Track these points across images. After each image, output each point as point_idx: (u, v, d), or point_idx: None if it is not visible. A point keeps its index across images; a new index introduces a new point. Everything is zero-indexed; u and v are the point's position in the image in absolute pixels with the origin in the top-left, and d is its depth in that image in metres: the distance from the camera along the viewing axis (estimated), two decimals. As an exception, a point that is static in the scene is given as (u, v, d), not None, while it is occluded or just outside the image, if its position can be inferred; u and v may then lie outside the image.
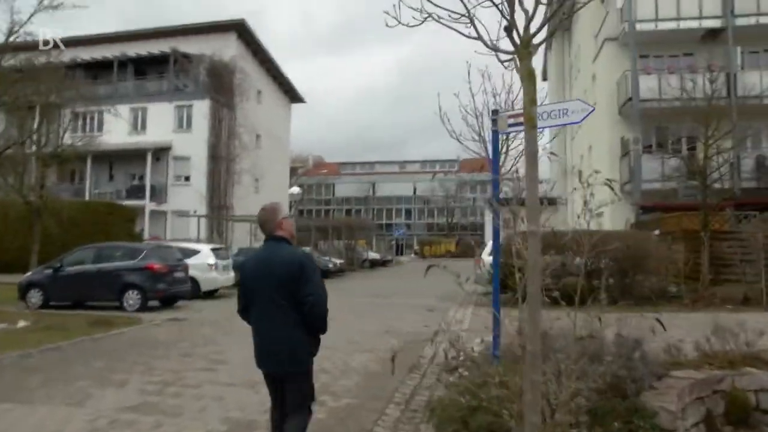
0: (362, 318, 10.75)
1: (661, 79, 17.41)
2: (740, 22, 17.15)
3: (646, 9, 18.07)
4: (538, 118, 4.40)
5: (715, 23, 17.51)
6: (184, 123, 29.00)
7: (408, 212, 78.44)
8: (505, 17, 2.41)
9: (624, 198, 18.43)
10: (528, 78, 2.37)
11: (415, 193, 77.78)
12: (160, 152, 28.39)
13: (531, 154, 2.43)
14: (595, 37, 21.28)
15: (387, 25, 2.76)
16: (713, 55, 16.10)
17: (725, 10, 17.42)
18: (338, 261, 27.94)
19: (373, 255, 39.03)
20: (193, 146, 27.90)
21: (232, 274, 15.24)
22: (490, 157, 4.98)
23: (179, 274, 12.38)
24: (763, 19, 17.11)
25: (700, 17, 17.57)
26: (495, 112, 4.88)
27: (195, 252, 14.67)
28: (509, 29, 2.40)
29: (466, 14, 2.50)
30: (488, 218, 33.79)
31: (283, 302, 2.81)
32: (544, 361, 2.45)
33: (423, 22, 2.60)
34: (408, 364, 5.89)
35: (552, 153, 17.98)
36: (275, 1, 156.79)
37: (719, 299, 10.13)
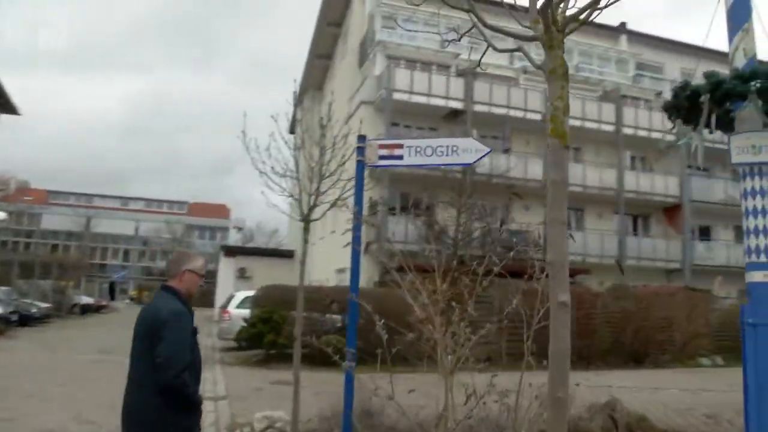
0: (94, 384, 8.74)
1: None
2: (477, 108, 19.94)
3: (403, 81, 19.76)
4: (408, 152, 3.88)
5: (458, 105, 20.07)
6: None
7: (126, 253, 71.30)
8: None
9: (369, 256, 19.18)
10: (561, 75, 2.11)
11: (137, 233, 71.20)
12: None
13: (557, 182, 2.11)
14: (350, 98, 22.43)
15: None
16: (454, 132, 18.26)
17: (467, 95, 20.13)
18: (44, 305, 23.83)
19: (87, 299, 34.96)
20: None
21: None
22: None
23: None
24: (494, 109, 20.24)
25: (447, 97, 19.94)
26: (362, 138, 4.09)
27: None
28: (548, 4, 2.09)
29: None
30: (223, 266, 31.98)
31: (142, 361, 2.67)
32: None
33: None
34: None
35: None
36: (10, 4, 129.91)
37: (470, 359, 10.68)
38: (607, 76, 24.79)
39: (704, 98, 5.02)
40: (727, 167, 25.91)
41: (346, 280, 21.85)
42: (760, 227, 4.84)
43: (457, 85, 20.44)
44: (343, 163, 11.56)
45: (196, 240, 71.46)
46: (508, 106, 20.69)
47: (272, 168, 10.94)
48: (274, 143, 9.44)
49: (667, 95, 25.77)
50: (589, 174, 21.73)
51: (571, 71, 20.09)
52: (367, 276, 18.78)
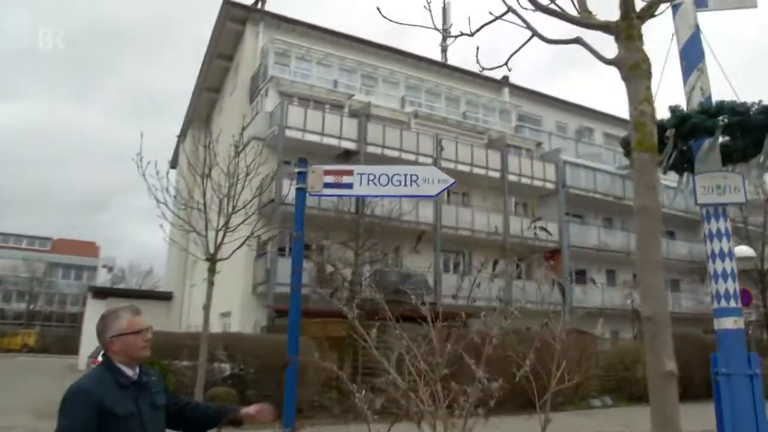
0: None
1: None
2: (370, 149, 20.36)
3: (296, 118, 19.77)
4: (359, 180, 3.51)
5: (351, 145, 20.37)
6: None
7: (-28, 293, 63.40)
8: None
9: (257, 299, 18.56)
10: (645, 72, 1.68)
11: (-9, 270, 63.72)
12: None
13: (648, 209, 1.79)
14: (240, 133, 21.96)
15: None
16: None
17: (360, 136, 20.52)
18: None
19: None
20: None
21: None
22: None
23: None
24: (387, 151, 20.77)
25: (340, 137, 20.18)
26: (303, 162, 3.70)
27: None
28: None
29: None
30: (91, 309, 29.33)
31: None
32: None
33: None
34: None
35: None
36: None
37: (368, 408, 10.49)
38: (492, 125, 26.51)
39: (669, 133, 4.82)
40: (599, 214, 28.56)
41: (230, 324, 20.87)
42: (728, 270, 4.66)
43: (350, 126, 20.81)
44: (260, 194, 11.13)
45: (59, 280, 65.21)
46: (400, 149, 21.35)
47: (175, 196, 10.28)
48: (158, 176, 9.04)
49: (547, 146, 28.11)
50: (477, 218, 22.82)
51: (458, 118, 21.21)
52: (254, 320, 18.11)
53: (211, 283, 9.26)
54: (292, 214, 15.15)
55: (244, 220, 9.85)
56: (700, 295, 26.31)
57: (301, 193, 3.71)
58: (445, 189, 3.55)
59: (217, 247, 9.35)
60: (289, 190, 18.48)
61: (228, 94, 26.10)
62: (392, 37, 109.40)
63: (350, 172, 3.64)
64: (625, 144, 5.39)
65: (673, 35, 5.39)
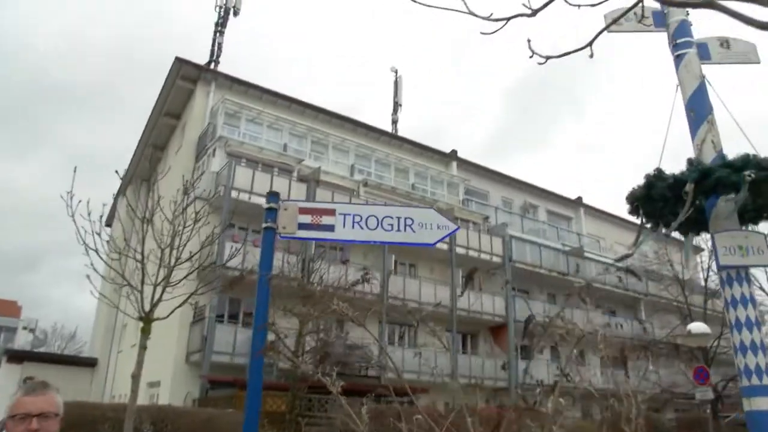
0: None
1: (245, 251, 18.50)
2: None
3: (243, 180, 19.69)
4: (341, 222, 3.11)
5: (298, 210, 20.28)
6: None
7: None
8: None
9: (190, 369, 17.70)
10: None
11: None
12: None
13: None
14: (183, 191, 21.64)
15: None
16: (291, 242, 18.24)
17: (309, 200, 20.51)
18: None
19: None
20: None
21: None
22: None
23: None
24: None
25: (288, 201, 20.13)
26: (274, 196, 3.30)
27: None
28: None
29: None
30: (4, 374, 27.13)
31: None
32: None
33: None
34: None
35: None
36: None
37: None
38: (440, 197, 27.18)
39: (689, 188, 4.44)
40: (543, 289, 29.22)
41: (158, 395, 19.74)
42: (757, 342, 4.15)
43: (299, 190, 20.87)
44: (211, 243, 10.38)
45: None
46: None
47: (107, 242, 9.40)
48: (89, 217, 8.40)
49: (494, 220, 28.89)
50: (425, 290, 22.90)
51: (407, 188, 21.57)
52: (186, 391, 17.18)
53: (143, 347, 8.56)
54: (233, 279, 14.71)
55: (188, 274, 9.23)
56: (645, 372, 26.84)
57: (269, 233, 3.21)
58: (445, 237, 3.12)
59: (154, 304, 8.60)
60: (231, 253, 18.15)
61: (173, 152, 25.87)
62: (344, 108, 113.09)
63: (331, 212, 3.24)
64: (634, 198, 4.99)
65: (677, 86, 5.19)
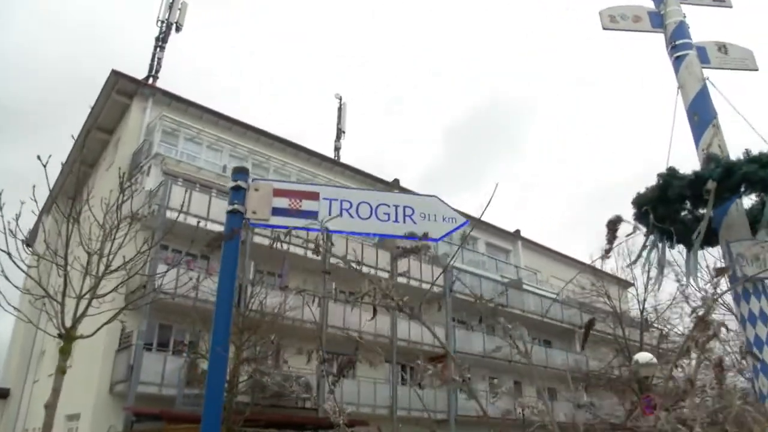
0: None
1: (178, 274, 17.96)
2: (257, 239, 20.04)
3: (179, 199, 19.11)
4: (327, 208, 2.69)
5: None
6: None
7: None
8: None
9: (114, 400, 16.86)
10: None
11: None
12: None
13: None
14: (114, 211, 20.90)
15: None
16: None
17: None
18: None
19: None
20: None
21: None
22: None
23: None
24: (311, 253, 20.47)
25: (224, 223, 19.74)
26: (241, 173, 2.76)
27: None
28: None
29: None
30: None
31: None
32: None
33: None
34: None
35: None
36: None
37: None
38: (385, 224, 27.37)
39: (711, 185, 4.03)
40: (483, 321, 29.74)
41: (77, 429, 18.70)
42: None
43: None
44: (150, 247, 9.33)
45: None
46: (288, 242, 21.19)
47: (26, 244, 8.44)
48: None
49: (434, 250, 29.26)
50: (365, 319, 22.83)
51: (352, 215, 21.48)
52: (108, 425, 16.32)
53: (62, 371, 7.50)
54: (164, 304, 14.29)
55: (120, 284, 8.13)
56: (579, 403, 27.54)
57: (235, 218, 2.67)
58: (452, 231, 2.69)
59: (77, 319, 7.58)
60: (163, 277, 17.60)
61: (104, 169, 24.99)
62: (287, 133, 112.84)
63: (314, 195, 2.75)
64: (644, 201, 4.42)
65: (678, 88, 4.94)
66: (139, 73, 25.06)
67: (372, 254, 24.29)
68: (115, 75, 22.14)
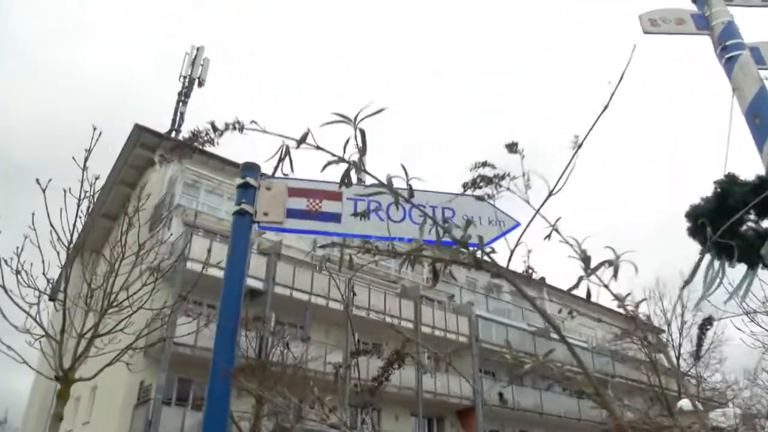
0: None
1: (198, 326, 17.95)
2: (278, 290, 20.11)
3: (199, 250, 19.36)
4: (352, 210, 2.37)
5: (258, 284, 20.02)
6: None
7: None
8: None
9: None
10: None
11: None
12: None
13: None
14: (136, 263, 21.18)
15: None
16: (252, 314, 17.92)
17: (268, 275, 20.31)
18: None
19: None
20: None
21: None
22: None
23: None
24: (296, 294, 20.58)
25: (247, 275, 19.82)
26: (250, 169, 2.45)
27: None
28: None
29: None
30: None
31: None
32: None
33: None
34: None
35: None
36: None
37: None
38: (404, 275, 27.23)
39: None
40: (509, 371, 29.03)
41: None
42: None
43: (258, 264, 20.63)
44: (154, 289, 8.97)
45: None
46: (310, 293, 21.21)
47: (48, 295, 8.17)
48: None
49: (458, 299, 28.86)
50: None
51: (371, 265, 21.44)
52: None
53: (58, 418, 6.69)
54: (184, 357, 14.28)
55: (125, 318, 7.48)
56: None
57: (243, 221, 2.35)
58: (501, 236, 2.35)
59: (76, 359, 6.93)
60: (174, 328, 17.59)
61: (126, 221, 25.45)
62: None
63: (337, 195, 2.38)
64: (699, 213, 3.93)
65: (734, 91, 4.61)
66: (161, 128, 25.78)
67: (395, 303, 24.07)
68: (139, 129, 22.82)
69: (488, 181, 1.71)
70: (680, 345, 21.35)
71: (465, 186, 1.71)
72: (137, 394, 17.62)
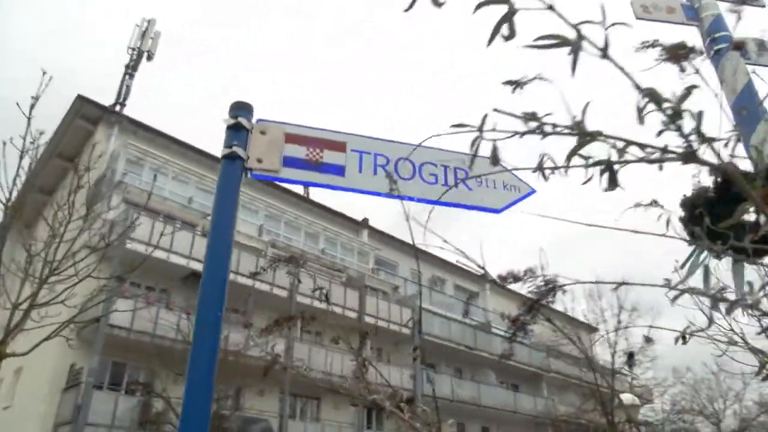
0: None
1: (135, 308, 17.48)
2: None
3: (142, 230, 18.72)
4: (356, 163, 2.14)
5: (200, 267, 19.34)
6: None
7: None
8: None
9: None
10: None
11: None
12: None
13: None
14: (72, 240, 20.38)
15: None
16: (189, 298, 17.59)
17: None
18: None
19: None
20: None
21: None
22: None
23: None
24: (240, 278, 20.20)
25: (189, 257, 19.42)
26: (243, 108, 2.16)
27: None
28: None
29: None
30: None
31: None
32: None
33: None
34: None
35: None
36: None
37: None
38: (350, 264, 27.27)
39: None
40: (450, 364, 29.53)
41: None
42: None
43: (202, 246, 20.17)
44: (108, 244, 8.13)
45: None
46: (254, 278, 20.92)
47: None
48: None
49: (403, 291, 29.16)
50: (332, 360, 22.45)
51: (317, 253, 21.41)
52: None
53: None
54: (119, 339, 13.83)
55: (66, 289, 7.06)
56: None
57: (234, 165, 2.05)
58: (517, 201, 2.22)
59: (11, 329, 6.65)
60: (112, 310, 17.03)
61: (62, 196, 24.42)
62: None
63: (340, 146, 2.15)
64: (695, 202, 3.51)
65: (721, 84, 4.82)
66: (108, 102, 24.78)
67: (340, 292, 24.06)
68: (80, 100, 21.87)
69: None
70: (615, 343, 22.09)
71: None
72: (67, 377, 16.99)
